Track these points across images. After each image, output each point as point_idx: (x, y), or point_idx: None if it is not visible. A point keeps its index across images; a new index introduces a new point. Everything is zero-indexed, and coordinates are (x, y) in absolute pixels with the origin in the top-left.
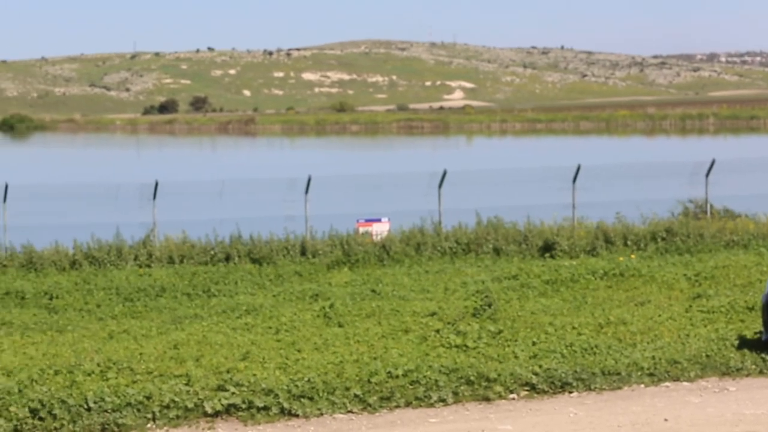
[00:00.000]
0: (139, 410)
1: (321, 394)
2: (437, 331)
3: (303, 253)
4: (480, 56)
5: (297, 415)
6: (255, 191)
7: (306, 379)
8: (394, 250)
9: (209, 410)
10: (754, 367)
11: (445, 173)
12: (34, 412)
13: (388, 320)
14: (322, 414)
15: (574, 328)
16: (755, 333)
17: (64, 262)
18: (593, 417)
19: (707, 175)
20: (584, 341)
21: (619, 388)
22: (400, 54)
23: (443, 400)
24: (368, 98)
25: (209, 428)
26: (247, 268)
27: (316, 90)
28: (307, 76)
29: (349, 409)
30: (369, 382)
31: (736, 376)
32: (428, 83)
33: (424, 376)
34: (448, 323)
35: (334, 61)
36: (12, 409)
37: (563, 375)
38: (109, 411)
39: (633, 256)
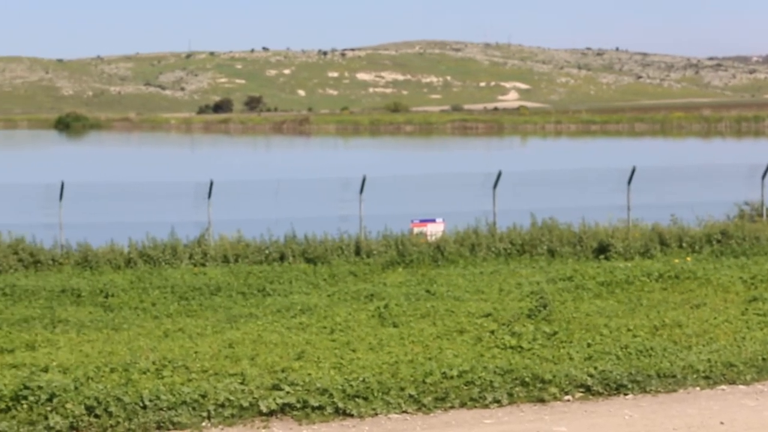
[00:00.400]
0: (194, 408)
1: (376, 394)
2: (492, 332)
3: (357, 253)
4: (534, 57)
5: (352, 415)
6: (309, 191)
7: (361, 378)
8: (449, 250)
9: (264, 409)
10: None
11: (500, 174)
12: (90, 409)
13: (443, 321)
14: (376, 414)
15: (629, 330)
16: None
17: (119, 261)
18: (648, 420)
19: (763, 177)
20: (639, 343)
21: (675, 390)
22: (455, 55)
23: (498, 401)
24: (422, 99)
25: (264, 427)
26: (301, 268)
27: (371, 90)
28: (362, 76)
29: (403, 409)
30: (424, 382)
31: None
32: (482, 84)
33: (479, 377)
34: (503, 324)
35: (388, 62)
36: (68, 406)
37: (618, 377)
38: (165, 409)
39: (688, 258)
